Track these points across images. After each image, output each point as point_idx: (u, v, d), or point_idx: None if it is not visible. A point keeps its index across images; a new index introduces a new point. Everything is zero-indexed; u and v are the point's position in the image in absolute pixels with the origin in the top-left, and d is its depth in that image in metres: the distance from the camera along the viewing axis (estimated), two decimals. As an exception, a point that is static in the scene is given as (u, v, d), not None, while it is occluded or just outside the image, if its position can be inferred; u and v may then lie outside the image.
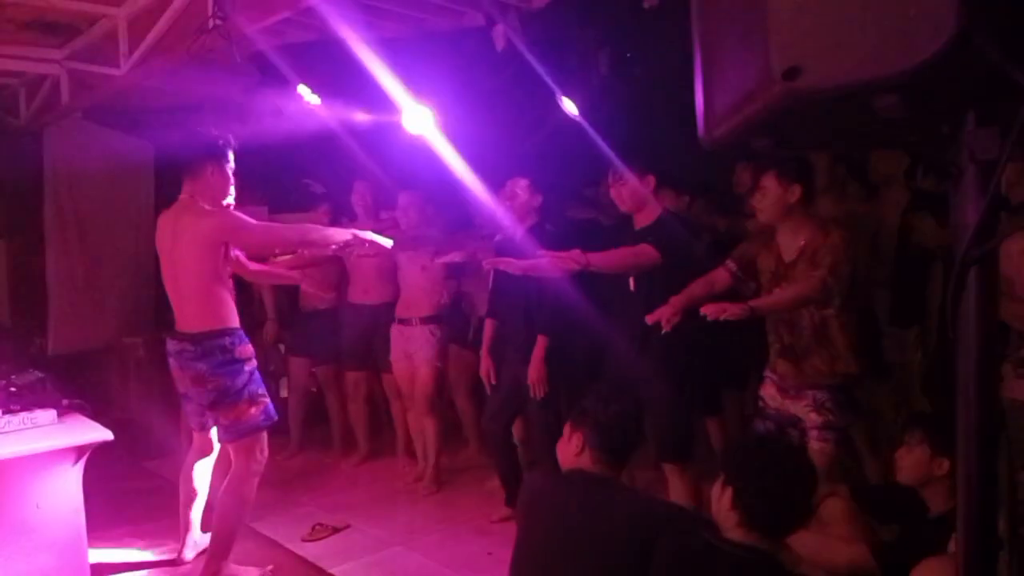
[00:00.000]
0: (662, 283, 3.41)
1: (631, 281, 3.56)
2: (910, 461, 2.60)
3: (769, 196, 3.03)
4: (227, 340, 3.28)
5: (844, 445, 3.17)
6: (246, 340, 3.39)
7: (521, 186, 4.08)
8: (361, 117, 4.68)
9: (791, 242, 3.08)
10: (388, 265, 4.88)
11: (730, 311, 2.75)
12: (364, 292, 5.05)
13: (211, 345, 3.26)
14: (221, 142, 3.42)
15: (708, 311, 2.77)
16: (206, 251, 3.24)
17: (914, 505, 2.64)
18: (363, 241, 3.54)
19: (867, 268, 3.84)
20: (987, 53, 0.89)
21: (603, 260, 3.43)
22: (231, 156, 3.43)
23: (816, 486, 2.25)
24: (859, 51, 0.95)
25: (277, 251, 3.98)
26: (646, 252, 3.42)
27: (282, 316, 5.34)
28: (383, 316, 4.95)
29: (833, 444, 3.04)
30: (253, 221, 3.39)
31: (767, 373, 3.26)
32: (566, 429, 2.45)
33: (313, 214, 5.15)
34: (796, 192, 2.99)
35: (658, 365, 3.44)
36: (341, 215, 5.14)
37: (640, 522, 2.18)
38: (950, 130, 1.01)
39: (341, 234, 3.54)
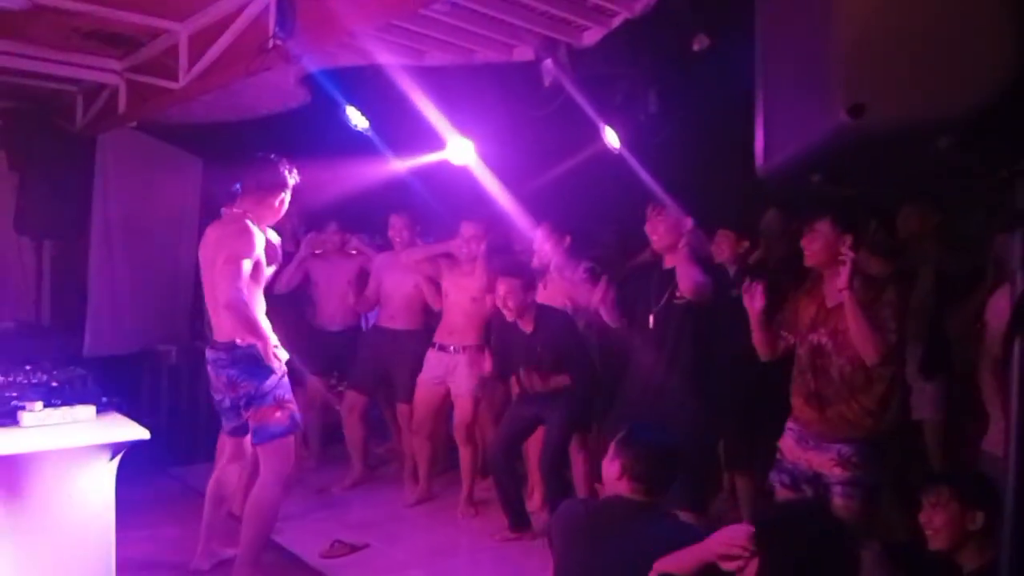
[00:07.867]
0: (690, 327, 3.45)
1: (650, 318, 3.54)
2: (942, 520, 2.51)
3: (820, 240, 3.01)
4: (255, 348, 3.43)
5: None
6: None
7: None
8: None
9: (835, 288, 2.99)
10: (418, 292, 4.95)
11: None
12: (391, 317, 5.08)
13: (241, 353, 3.45)
14: (293, 178, 3.58)
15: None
16: (241, 265, 3.38)
17: (948, 565, 2.57)
18: None
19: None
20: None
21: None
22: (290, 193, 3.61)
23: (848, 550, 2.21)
24: (921, 91, 0.97)
25: None
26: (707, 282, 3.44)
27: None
28: (405, 343, 4.99)
29: (858, 502, 2.89)
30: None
31: (788, 424, 3.14)
32: (610, 449, 2.48)
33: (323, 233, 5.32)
34: (847, 241, 2.94)
35: (680, 410, 3.39)
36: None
37: (680, 547, 2.19)
38: (1009, 174, 1.02)
39: None
